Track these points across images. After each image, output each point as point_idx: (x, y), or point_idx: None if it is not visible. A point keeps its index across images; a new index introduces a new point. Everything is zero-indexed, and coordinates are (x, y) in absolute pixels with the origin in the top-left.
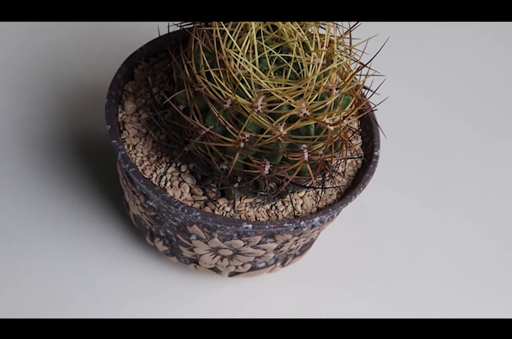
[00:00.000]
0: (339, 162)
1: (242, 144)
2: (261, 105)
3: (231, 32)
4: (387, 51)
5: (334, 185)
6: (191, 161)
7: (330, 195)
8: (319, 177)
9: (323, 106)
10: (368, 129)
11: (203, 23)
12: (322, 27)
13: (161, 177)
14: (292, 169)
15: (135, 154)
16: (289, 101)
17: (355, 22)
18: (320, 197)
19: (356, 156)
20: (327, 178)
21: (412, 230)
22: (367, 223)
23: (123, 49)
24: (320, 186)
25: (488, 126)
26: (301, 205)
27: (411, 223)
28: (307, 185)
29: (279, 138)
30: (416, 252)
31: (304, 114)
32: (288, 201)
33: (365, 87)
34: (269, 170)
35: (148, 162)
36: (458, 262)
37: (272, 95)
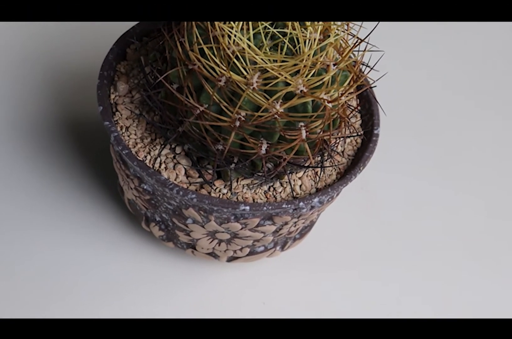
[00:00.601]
0: (338, 141)
1: (237, 123)
2: (256, 82)
3: None
4: (385, 25)
5: (333, 165)
6: (186, 142)
7: (330, 175)
8: (318, 156)
9: (321, 82)
10: (368, 107)
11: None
12: None
13: (155, 159)
14: (289, 148)
15: (128, 136)
16: (285, 77)
17: None
18: (319, 177)
19: (355, 134)
20: (326, 157)
21: (414, 211)
22: (368, 204)
23: (114, 28)
24: (319, 166)
25: (488, 100)
26: (300, 186)
27: (413, 203)
28: (306, 165)
29: (276, 116)
30: (419, 233)
31: (301, 90)
32: (286, 182)
33: (363, 63)
34: (266, 149)
35: (142, 144)
36: (462, 243)
37: (268, 71)
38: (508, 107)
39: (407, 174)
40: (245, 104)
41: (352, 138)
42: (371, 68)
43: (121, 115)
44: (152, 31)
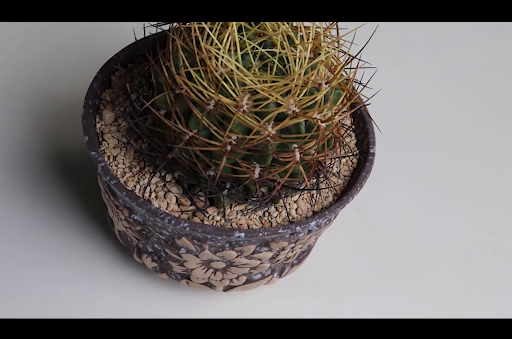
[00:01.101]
0: (333, 162)
1: (229, 147)
2: (246, 104)
3: (210, 29)
4: (377, 40)
5: (329, 187)
6: (176, 169)
7: (326, 197)
8: (313, 178)
9: (313, 101)
10: (362, 126)
11: (181, 22)
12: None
13: (145, 188)
14: (283, 171)
15: (116, 166)
16: (276, 98)
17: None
18: (315, 200)
19: (350, 154)
20: (322, 179)
21: (415, 231)
22: (367, 226)
23: (98, 56)
24: (315, 188)
25: (483, 117)
26: (296, 209)
27: (413, 222)
28: (301, 188)
29: (268, 138)
30: (420, 253)
31: (293, 111)
32: (281, 206)
33: (355, 81)
34: (259, 173)
35: (131, 173)
36: (462, 263)
37: (258, 92)
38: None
39: (405, 192)
40: (236, 127)
41: (347, 158)
42: (364, 86)
43: (108, 144)
44: (137, 57)
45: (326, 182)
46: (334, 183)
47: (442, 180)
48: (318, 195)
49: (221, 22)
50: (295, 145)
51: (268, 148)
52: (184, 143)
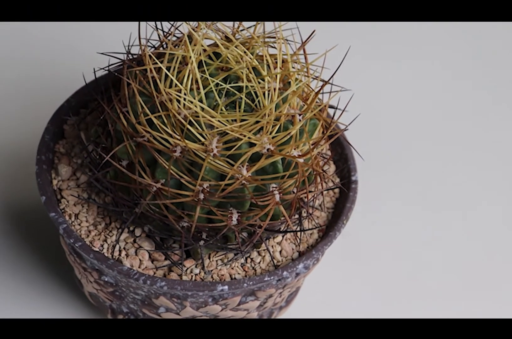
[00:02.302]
0: (315, 196)
1: (202, 196)
2: (216, 147)
3: (168, 68)
4: (350, 63)
5: (314, 224)
6: (146, 222)
7: (311, 234)
8: (295, 215)
9: (288, 137)
10: (340, 151)
11: (134, 62)
12: (272, 46)
13: (114, 246)
14: (264, 214)
15: (79, 225)
16: (249, 138)
17: (309, 35)
18: (299, 239)
19: (333, 186)
20: (304, 216)
21: (404, 257)
22: (353, 255)
23: (48, 103)
24: (299, 228)
25: (465, 130)
26: (280, 252)
27: (402, 248)
28: (284, 230)
29: (244, 182)
30: (412, 281)
31: (268, 149)
32: (264, 250)
33: (331, 106)
34: (237, 219)
35: (96, 231)
36: (456, 287)
37: (228, 133)
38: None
39: (390, 217)
40: (207, 173)
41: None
42: (343, 111)
43: (67, 201)
44: (89, 101)
45: (310, 219)
46: (317, 217)
47: (432, 200)
48: (302, 233)
49: (178, 59)
50: (274, 185)
51: (245, 192)
52: (152, 195)
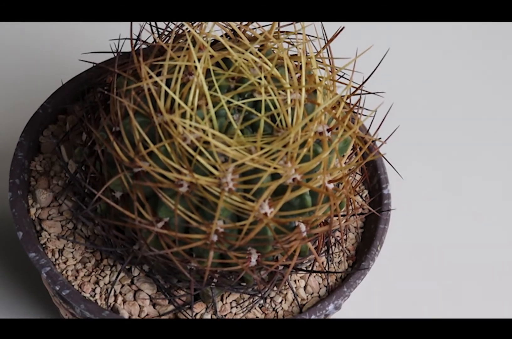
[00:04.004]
0: (348, 226)
1: (215, 237)
2: (232, 180)
3: (168, 84)
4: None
5: (341, 249)
6: (144, 262)
7: (339, 262)
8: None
9: (318, 163)
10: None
11: (126, 72)
12: (290, 43)
13: (108, 291)
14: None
15: (65, 263)
16: (274, 168)
17: (336, 32)
18: (327, 271)
19: (367, 212)
20: (332, 243)
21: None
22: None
23: (20, 110)
24: (328, 271)
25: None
26: (305, 287)
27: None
28: (311, 269)
29: (265, 220)
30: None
31: (294, 179)
32: (286, 287)
33: (356, 111)
34: (256, 260)
35: (85, 270)
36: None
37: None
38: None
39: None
40: (222, 213)
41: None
42: (380, 125)
43: (49, 234)
44: (70, 102)
45: (338, 247)
46: (345, 239)
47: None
48: (330, 262)
49: (181, 69)
50: (300, 219)
51: (268, 234)
52: (154, 236)
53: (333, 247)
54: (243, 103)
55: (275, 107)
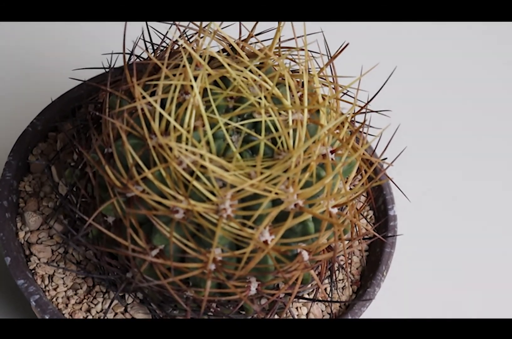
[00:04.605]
0: (352, 252)
1: (213, 266)
2: (230, 206)
3: (163, 104)
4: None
5: (348, 278)
6: (138, 290)
7: (343, 288)
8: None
9: (321, 187)
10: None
11: (121, 91)
12: (291, 60)
13: (101, 318)
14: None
15: (55, 290)
16: (276, 193)
17: (340, 48)
18: (331, 298)
19: (373, 237)
20: (336, 269)
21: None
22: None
23: (8, 127)
24: (330, 288)
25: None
26: (307, 315)
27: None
28: (314, 298)
29: (267, 250)
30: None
31: (296, 204)
32: (287, 314)
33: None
34: (256, 289)
35: (76, 297)
36: None
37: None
38: None
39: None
40: (220, 241)
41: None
42: (386, 147)
43: (38, 259)
44: (60, 120)
45: (342, 273)
46: (349, 263)
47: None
48: (333, 288)
49: (177, 89)
50: (302, 246)
51: (268, 263)
52: (148, 265)
53: (337, 272)
54: (242, 125)
55: (276, 128)
